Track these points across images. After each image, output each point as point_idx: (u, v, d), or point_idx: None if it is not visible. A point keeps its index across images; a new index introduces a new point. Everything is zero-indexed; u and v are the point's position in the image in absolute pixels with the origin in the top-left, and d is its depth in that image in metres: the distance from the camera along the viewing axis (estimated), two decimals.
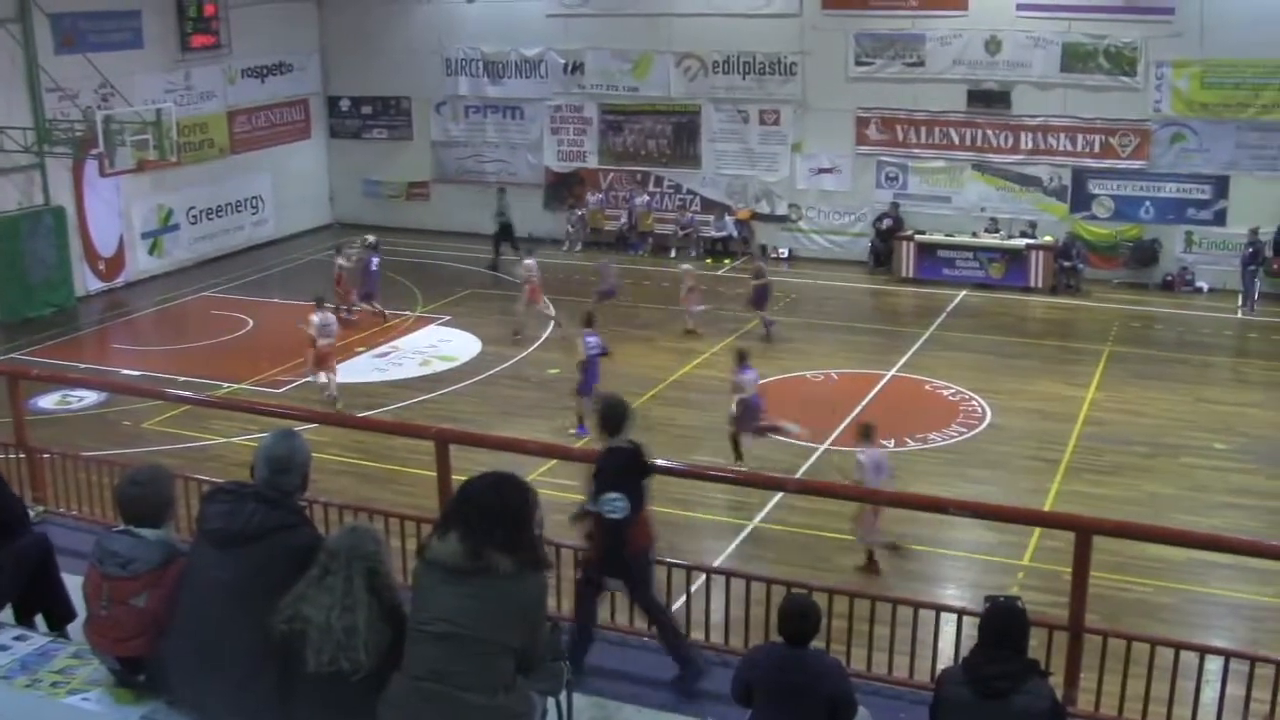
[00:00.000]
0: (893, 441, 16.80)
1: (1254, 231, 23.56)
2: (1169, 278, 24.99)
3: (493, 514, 4.26)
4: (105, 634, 4.89)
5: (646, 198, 28.82)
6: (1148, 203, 25.11)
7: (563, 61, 28.94)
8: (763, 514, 14.28)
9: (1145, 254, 25.14)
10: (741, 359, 16.05)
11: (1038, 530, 13.06)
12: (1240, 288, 23.79)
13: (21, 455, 8.72)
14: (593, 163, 29.36)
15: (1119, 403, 18.41)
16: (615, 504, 6.27)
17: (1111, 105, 24.86)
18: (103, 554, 4.89)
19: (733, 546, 13.65)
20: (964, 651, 5.23)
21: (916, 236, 25.96)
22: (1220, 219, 24.59)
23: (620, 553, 6.54)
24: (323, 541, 4.61)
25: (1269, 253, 23.86)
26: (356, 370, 20.31)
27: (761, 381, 16.31)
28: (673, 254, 27.81)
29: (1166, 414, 17.96)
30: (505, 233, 27.13)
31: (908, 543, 13.18)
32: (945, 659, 6.22)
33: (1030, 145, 25.67)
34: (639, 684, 6.53)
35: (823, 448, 16.37)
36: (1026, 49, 25.19)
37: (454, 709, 4.19)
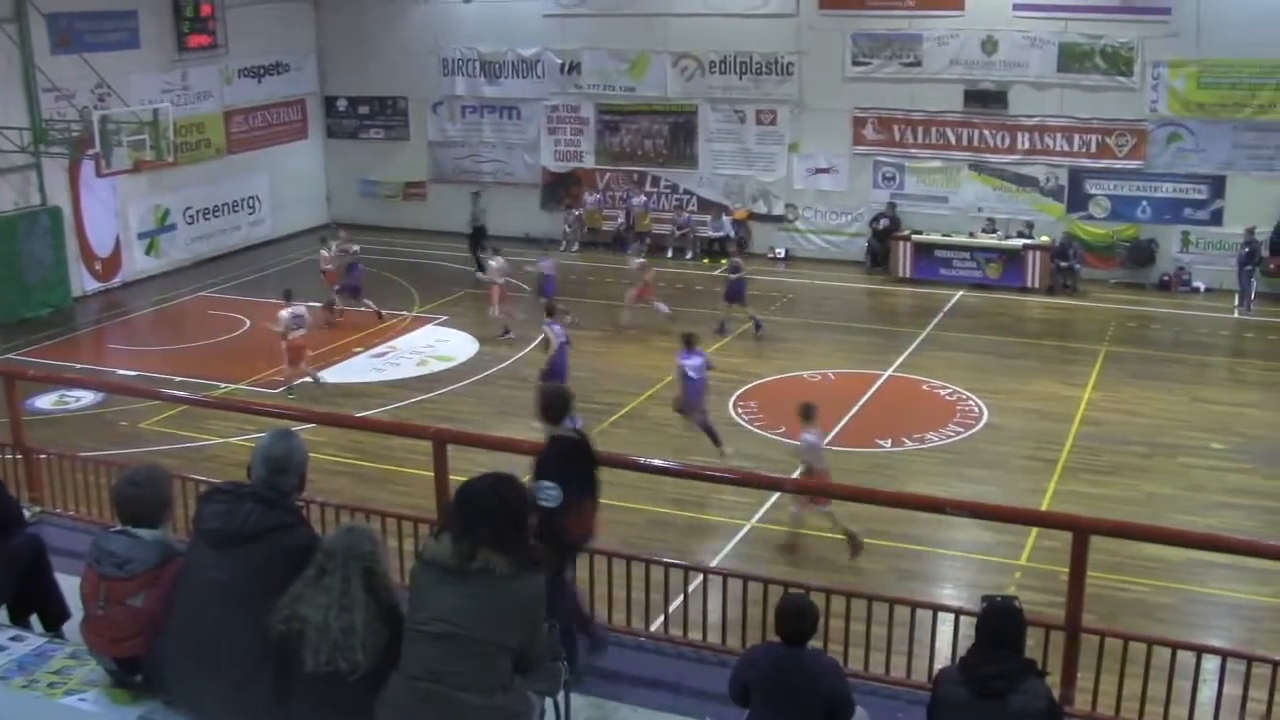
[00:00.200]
0: (890, 441, 16.86)
1: (1250, 231, 23.58)
2: (1166, 278, 25.01)
3: (491, 515, 4.26)
4: (102, 634, 4.89)
5: (644, 198, 28.83)
6: (1144, 203, 25.13)
7: (559, 61, 28.94)
8: (760, 514, 14.28)
9: (1142, 254, 25.15)
10: (689, 343, 16.15)
11: (1035, 530, 13.06)
12: (1237, 287, 23.78)
13: (18, 456, 8.71)
14: (589, 163, 29.36)
15: (1116, 402, 18.42)
16: (548, 492, 6.28)
17: (1108, 105, 24.88)
18: (100, 554, 4.89)
19: (730, 546, 13.65)
20: (961, 651, 5.23)
21: (913, 236, 25.98)
22: (1217, 219, 24.61)
23: (557, 541, 6.52)
24: (320, 541, 4.62)
25: (1265, 252, 23.87)
26: (354, 370, 20.31)
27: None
28: (669, 254, 27.85)
29: (1163, 414, 17.98)
30: (479, 235, 27.13)
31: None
32: (942, 659, 6.22)
33: (1027, 145, 25.69)
34: (637, 684, 6.53)
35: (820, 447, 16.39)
36: (1023, 49, 25.20)
37: (451, 709, 4.19)
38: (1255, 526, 13.75)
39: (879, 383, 19.40)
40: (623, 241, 28.54)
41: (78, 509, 8.66)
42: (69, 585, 5.70)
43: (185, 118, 26.53)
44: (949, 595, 12.16)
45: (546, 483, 6.34)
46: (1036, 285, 24.88)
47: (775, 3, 26.75)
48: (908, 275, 25.79)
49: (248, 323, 23.01)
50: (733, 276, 21.92)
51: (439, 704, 4.19)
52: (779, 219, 27.96)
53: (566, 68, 28.95)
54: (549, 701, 4.84)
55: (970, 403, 18.33)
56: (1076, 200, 25.58)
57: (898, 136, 26.56)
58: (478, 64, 29.77)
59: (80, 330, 23.54)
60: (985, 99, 25.69)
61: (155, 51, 26.18)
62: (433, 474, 7.42)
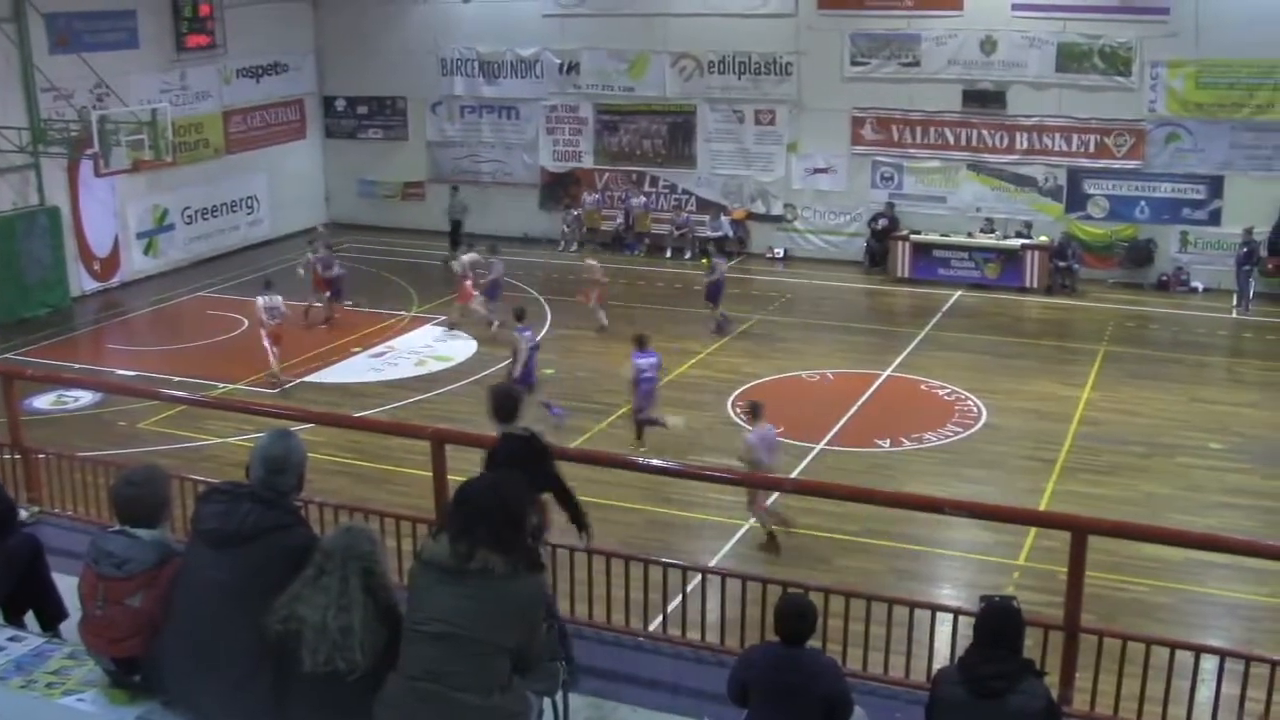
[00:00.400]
0: (889, 441, 16.87)
1: (1248, 231, 23.59)
2: (1164, 278, 25.02)
3: (490, 515, 4.26)
4: (100, 634, 4.88)
5: (644, 198, 28.82)
6: (1143, 203, 25.14)
7: (558, 61, 28.93)
8: None
9: (1140, 254, 25.16)
10: (640, 344, 16.33)
11: (1033, 530, 13.08)
12: (1235, 287, 23.80)
13: (17, 456, 8.70)
14: (588, 163, 29.35)
15: (1114, 402, 18.43)
16: None
17: (1107, 105, 24.89)
18: (98, 554, 4.88)
19: (729, 546, 13.65)
20: (959, 651, 5.23)
21: (912, 236, 25.98)
22: (1215, 219, 24.62)
23: None
24: (318, 541, 4.61)
25: (1263, 252, 23.89)
26: (353, 370, 20.33)
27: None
28: (668, 254, 27.85)
29: (1162, 414, 17.99)
30: (456, 230, 27.11)
31: (797, 520, 13.48)
32: (941, 659, 6.21)
33: (1025, 145, 25.70)
34: (635, 684, 6.53)
35: (819, 447, 16.41)
36: (1021, 49, 25.21)
37: (450, 709, 4.19)
38: (1254, 526, 13.77)
39: (877, 383, 19.40)
40: (621, 241, 28.59)
41: (76, 509, 8.65)
42: (67, 585, 5.69)
43: (184, 118, 26.51)
44: (947, 595, 12.17)
45: None
46: (1035, 285, 24.89)
47: (774, 3, 26.76)
48: (906, 275, 25.79)
49: (246, 323, 22.96)
50: (709, 277, 22.05)
51: (437, 704, 4.19)
52: (777, 219, 27.96)
53: (565, 68, 28.94)
54: (547, 701, 4.84)
55: (969, 403, 18.33)
56: (1075, 200, 25.58)
57: (896, 136, 26.57)
58: (476, 64, 29.76)
59: (79, 330, 23.53)
60: (984, 99, 25.70)
61: (154, 51, 26.17)
62: (431, 474, 7.42)
